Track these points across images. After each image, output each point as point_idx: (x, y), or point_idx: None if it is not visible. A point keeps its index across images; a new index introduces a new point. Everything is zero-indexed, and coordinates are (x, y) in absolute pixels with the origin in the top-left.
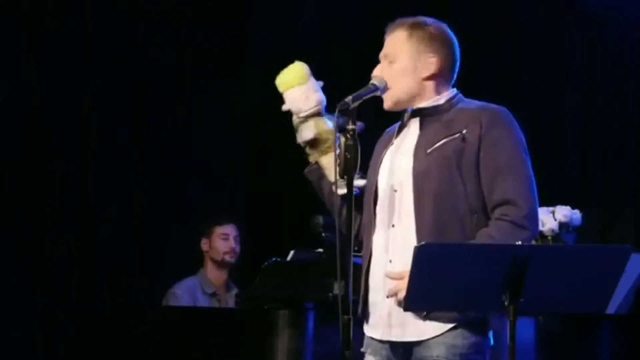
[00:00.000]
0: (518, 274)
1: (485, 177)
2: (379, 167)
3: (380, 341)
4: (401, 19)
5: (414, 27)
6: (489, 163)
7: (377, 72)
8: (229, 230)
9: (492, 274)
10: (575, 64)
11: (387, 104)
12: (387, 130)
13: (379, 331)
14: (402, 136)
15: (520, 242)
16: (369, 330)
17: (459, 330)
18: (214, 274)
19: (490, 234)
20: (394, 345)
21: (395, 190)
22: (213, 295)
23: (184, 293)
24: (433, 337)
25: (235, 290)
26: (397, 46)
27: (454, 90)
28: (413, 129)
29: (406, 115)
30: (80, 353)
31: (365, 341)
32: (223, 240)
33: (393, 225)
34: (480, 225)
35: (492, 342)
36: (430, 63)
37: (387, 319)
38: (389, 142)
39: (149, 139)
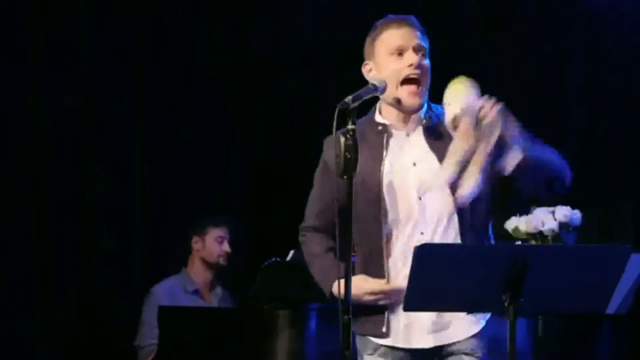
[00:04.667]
0: (518, 274)
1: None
2: (380, 179)
3: (403, 349)
4: (411, 16)
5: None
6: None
7: (414, 60)
8: (224, 232)
9: (492, 274)
10: (575, 64)
11: (420, 101)
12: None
13: (408, 340)
14: (398, 146)
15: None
16: (388, 341)
17: (482, 329)
18: (200, 273)
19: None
20: (419, 351)
21: (420, 198)
22: (195, 292)
23: (164, 292)
24: (463, 340)
25: (219, 289)
26: (426, 43)
27: None
28: (412, 137)
29: (392, 125)
30: (80, 352)
31: (373, 345)
32: (218, 243)
33: (422, 233)
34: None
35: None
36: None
37: (424, 326)
38: (377, 153)
39: (149, 138)
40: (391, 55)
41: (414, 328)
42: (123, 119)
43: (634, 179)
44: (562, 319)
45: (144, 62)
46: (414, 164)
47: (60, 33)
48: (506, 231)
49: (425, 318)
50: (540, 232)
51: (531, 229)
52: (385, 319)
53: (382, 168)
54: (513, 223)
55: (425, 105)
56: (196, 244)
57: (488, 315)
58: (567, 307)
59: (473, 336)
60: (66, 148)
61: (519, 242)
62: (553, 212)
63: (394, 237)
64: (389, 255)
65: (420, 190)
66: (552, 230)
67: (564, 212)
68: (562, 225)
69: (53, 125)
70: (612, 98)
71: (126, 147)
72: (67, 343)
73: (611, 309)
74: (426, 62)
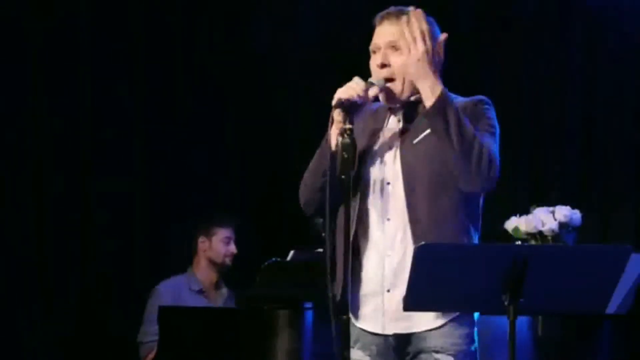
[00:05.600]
0: (518, 274)
1: None
2: (368, 158)
3: (375, 334)
4: (399, 9)
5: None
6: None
7: (384, 59)
8: (231, 233)
9: (492, 274)
10: (575, 64)
11: (394, 94)
12: (367, 110)
13: (379, 325)
14: (390, 128)
15: (484, 164)
16: (361, 322)
17: (456, 322)
18: (206, 273)
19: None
20: (390, 338)
21: (388, 183)
22: (200, 292)
23: (168, 291)
24: (434, 329)
25: (225, 289)
26: (402, 37)
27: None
28: (401, 122)
29: (396, 107)
30: (80, 353)
31: (354, 336)
32: (225, 244)
33: (388, 219)
34: (471, 213)
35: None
36: (436, 57)
37: (392, 313)
38: (374, 132)
39: (149, 138)
40: (372, 54)
41: (381, 314)
42: (123, 119)
43: (634, 179)
44: (562, 319)
45: (144, 62)
46: (390, 148)
47: (60, 33)
48: (506, 231)
49: (390, 305)
50: (540, 232)
51: (531, 229)
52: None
53: (374, 146)
54: (513, 223)
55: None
56: (203, 243)
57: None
58: (567, 307)
59: (445, 334)
60: (66, 148)
61: (519, 242)
62: (553, 212)
63: (365, 216)
64: (357, 233)
65: (388, 176)
66: (552, 230)
67: (564, 212)
68: (562, 225)
69: (53, 125)
70: (612, 98)
71: (126, 147)
72: (67, 343)
73: (611, 309)
74: (397, 56)
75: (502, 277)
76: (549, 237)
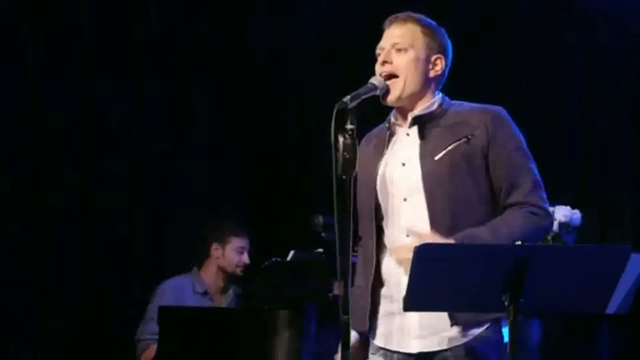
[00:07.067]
0: (518, 274)
1: (500, 177)
2: (376, 177)
3: (394, 352)
4: (407, 14)
5: (426, 24)
6: (501, 165)
7: (386, 57)
8: (245, 243)
9: (492, 274)
10: (575, 64)
11: (394, 94)
12: (369, 136)
13: (402, 343)
14: (396, 144)
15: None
16: (381, 340)
17: (484, 334)
18: (213, 278)
19: (516, 222)
20: (412, 357)
21: (405, 199)
22: (204, 294)
23: (171, 291)
24: (459, 345)
25: (231, 292)
26: (411, 37)
27: (440, 94)
28: (411, 136)
29: (397, 123)
30: (79, 353)
31: (373, 348)
32: (239, 254)
33: (407, 236)
34: None
35: (505, 339)
36: (437, 64)
37: (411, 331)
38: (379, 151)
39: (150, 137)
40: (378, 56)
41: (405, 332)
42: (123, 118)
43: (633, 179)
44: (562, 319)
45: (144, 62)
46: (403, 164)
47: (60, 33)
48: None
49: (415, 323)
50: None
51: None
52: (367, 317)
53: (378, 167)
54: None
55: (430, 102)
56: (216, 250)
57: (483, 327)
58: (567, 307)
59: (471, 347)
60: (66, 148)
61: (519, 242)
62: (553, 212)
63: (384, 238)
64: (381, 254)
65: (404, 191)
66: (552, 230)
67: (564, 212)
68: (562, 225)
69: (53, 125)
70: (612, 98)
71: (126, 147)
72: (67, 343)
73: (611, 309)
74: (400, 56)
75: (502, 277)
76: (549, 237)
